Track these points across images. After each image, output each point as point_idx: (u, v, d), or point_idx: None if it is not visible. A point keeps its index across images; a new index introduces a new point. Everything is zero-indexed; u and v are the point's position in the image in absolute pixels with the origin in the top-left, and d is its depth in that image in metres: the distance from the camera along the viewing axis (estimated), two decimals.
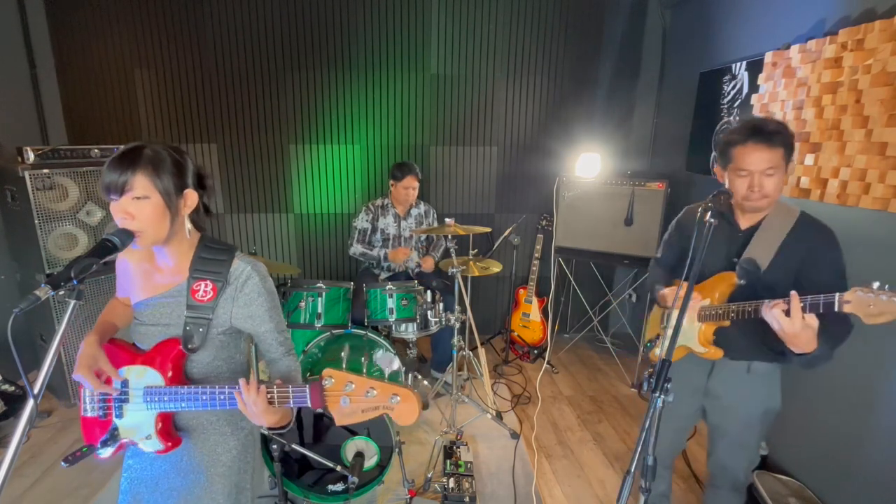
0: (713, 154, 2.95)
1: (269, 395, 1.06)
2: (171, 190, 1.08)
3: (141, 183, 1.03)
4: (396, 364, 2.38)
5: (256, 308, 1.16)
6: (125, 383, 1.17)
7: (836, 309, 1.17)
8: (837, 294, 1.17)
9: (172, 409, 1.15)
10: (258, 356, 2.36)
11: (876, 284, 1.13)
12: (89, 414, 1.21)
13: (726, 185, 1.50)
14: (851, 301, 1.15)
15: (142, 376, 1.15)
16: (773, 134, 1.37)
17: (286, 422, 1.16)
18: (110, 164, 1.03)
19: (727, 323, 1.46)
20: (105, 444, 1.17)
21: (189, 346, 1.13)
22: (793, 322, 1.23)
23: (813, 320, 1.23)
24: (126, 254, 1.22)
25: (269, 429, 1.15)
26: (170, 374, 1.14)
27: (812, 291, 1.29)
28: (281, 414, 1.11)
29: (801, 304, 1.23)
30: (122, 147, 1.07)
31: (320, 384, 1.00)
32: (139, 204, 1.04)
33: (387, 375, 1.07)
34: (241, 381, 1.05)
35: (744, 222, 1.53)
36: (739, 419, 1.59)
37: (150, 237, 1.07)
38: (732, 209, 1.54)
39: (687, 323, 1.52)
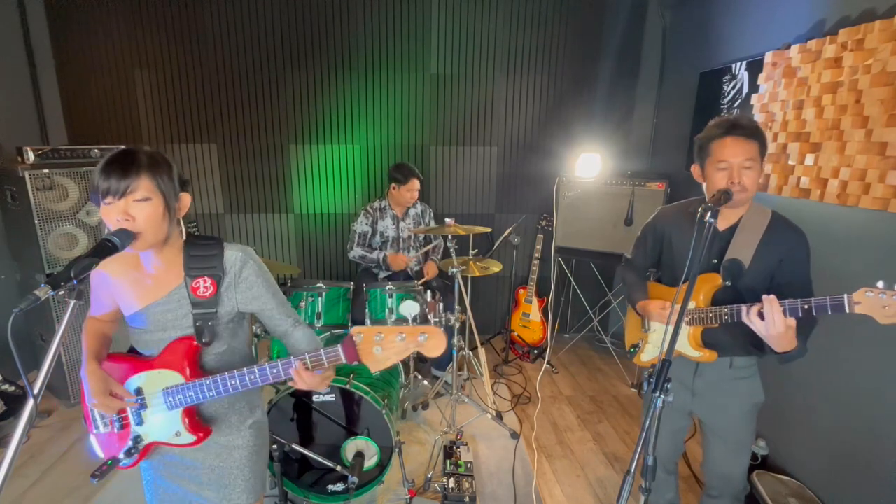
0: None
1: (314, 366, 1.12)
2: (171, 192, 1.09)
3: (145, 185, 1.04)
4: (416, 310, 2.37)
5: (258, 290, 1.21)
6: (139, 391, 1.19)
7: (847, 311, 1.17)
8: (846, 295, 1.17)
9: (198, 402, 1.18)
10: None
11: (881, 283, 1.13)
12: (102, 431, 1.24)
13: (704, 184, 1.52)
14: (861, 302, 1.15)
15: (157, 380, 1.18)
16: (749, 129, 1.42)
17: (327, 383, 1.21)
18: (107, 167, 1.03)
19: (716, 325, 1.46)
20: (129, 453, 1.20)
21: (203, 341, 1.17)
22: (776, 325, 1.25)
23: (792, 321, 1.25)
24: (104, 266, 1.08)
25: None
26: (188, 370, 1.17)
27: (784, 290, 1.35)
28: (322, 377, 1.16)
29: (807, 307, 1.23)
30: (112, 151, 1.06)
31: (351, 340, 1.07)
32: (141, 206, 1.04)
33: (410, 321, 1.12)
34: (298, 363, 1.11)
35: (721, 223, 1.53)
36: (733, 418, 1.58)
37: (149, 239, 1.07)
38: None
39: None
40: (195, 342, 1.17)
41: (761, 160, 1.43)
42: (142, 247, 1.07)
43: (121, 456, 1.19)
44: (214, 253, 1.17)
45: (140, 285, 1.19)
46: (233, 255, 1.18)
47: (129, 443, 1.20)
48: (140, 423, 1.21)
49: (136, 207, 1.04)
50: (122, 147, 1.09)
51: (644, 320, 1.74)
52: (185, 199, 1.14)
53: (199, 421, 1.22)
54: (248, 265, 1.19)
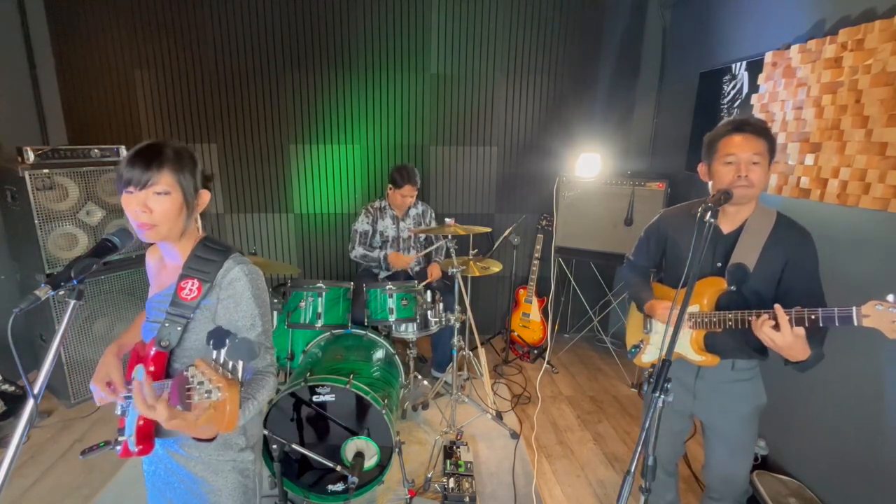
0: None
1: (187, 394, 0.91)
2: (192, 189, 1.10)
3: (166, 179, 1.05)
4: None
5: (240, 313, 1.13)
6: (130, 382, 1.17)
7: (856, 324, 1.16)
8: (854, 308, 1.16)
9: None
10: None
11: (891, 297, 1.11)
12: (116, 412, 1.22)
13: (710, 182, 1.50)
14: (870, 315, 1.14)
15: (139, 374, 1.15)
16: (757, 127, 1.41)
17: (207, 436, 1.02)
18: (133, 157, 1.04)
19: (720, 329, 1.45)
20: (117, 441, 1.16)
21: (162, 344, 1.10)
22: (784, 335, 1.24)
23: (800, 330, 1.24)
24: (148, 252, 1.26)
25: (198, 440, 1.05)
26: (152, 368, 1.11)
27: (792, 294, 1.34)
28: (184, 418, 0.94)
29: (814, 317, 1.21)
30: (141, 143, 1.08)
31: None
32: (160, 199, 1.05)
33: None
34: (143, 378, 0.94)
35: (726, 226, 1.51)
36: (734, 420, 1.57)
37: (163, 232, 1.08)
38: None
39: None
40: (155, 344, 1.09)
41: (769, 159, 1.42)
42: (154, 237, 1.08)
43: (112, 442, 1.15)
44: (216, 260, 1.13)
45: (157, 274, 1.22)
46: (231, 267, 1.13)
47: (119, 430, 1.16)
48: (123, 414, 1.17)
49: (154, 200, 1.05)
50: (150, 140, 1.09)
51: (646, 321, 1.73)
52: (205, 195, 1.16)
53: (149, 432, 1.12)
54: (240, 281, 1.12)
